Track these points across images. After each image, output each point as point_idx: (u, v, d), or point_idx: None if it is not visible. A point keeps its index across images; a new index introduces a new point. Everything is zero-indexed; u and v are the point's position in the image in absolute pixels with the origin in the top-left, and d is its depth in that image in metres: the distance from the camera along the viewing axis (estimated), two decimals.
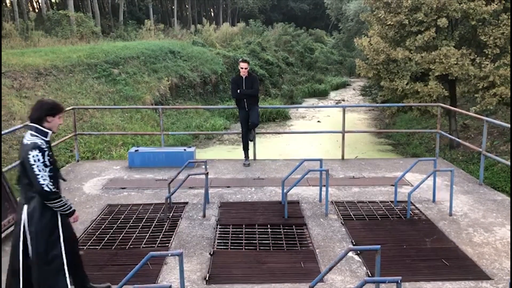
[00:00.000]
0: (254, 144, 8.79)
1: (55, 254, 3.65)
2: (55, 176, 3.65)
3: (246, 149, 8.58)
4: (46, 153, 3.57)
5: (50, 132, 3.70)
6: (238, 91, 8.21)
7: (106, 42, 29.48)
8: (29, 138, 3.59)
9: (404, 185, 7.06)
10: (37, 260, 3.60)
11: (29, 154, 3.49)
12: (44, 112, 3.66)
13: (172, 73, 24.97)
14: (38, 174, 3.50)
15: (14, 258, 3.70)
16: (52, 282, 3.65)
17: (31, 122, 3.66)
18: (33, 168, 3.50)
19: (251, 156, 8.72)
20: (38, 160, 3.51)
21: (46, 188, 3.52)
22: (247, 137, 8.50)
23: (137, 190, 7.04)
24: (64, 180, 3.98)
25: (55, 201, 3.59)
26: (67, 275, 3.71)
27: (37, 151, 3.52)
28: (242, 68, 8.21)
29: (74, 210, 3.76)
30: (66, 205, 3.68)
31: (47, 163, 3.56)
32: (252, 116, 8.26)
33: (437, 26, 15.74)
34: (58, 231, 3.69)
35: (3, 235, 5.20)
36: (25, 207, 3.62)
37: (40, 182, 3.51)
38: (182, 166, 6.55)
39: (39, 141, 3.58)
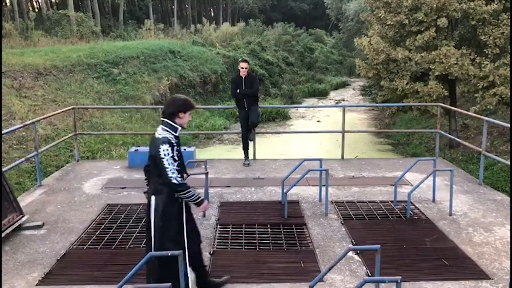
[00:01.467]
0: (254, 143, 8.79)
1: (178, 246, 3.79)
2: (181, 170, 3.84)
3: (246, 148, 8.57)
4: (175, 148, 3.74)
5: (179, 128, 3.88)
6: (238, 91, 8.21)
7: (106, 42, 29.47)
8: (160, 132, 3.77)
9: (404, 185, 7.06)
10: (159, 250, 3.76)
11: (160, 148, 3.65)
12: (176, 108, 3.83)
13: (172, 73, 24.97)
14: (168, 168, 3.66)
15: (148, 248, 3.90)
16: (173, 272, 3.73)
17: (163, 117, 3.83)
18: (163, 161, 3.66)
19: (251, 156, 8.72)
20: (168, 154, 3.67)
21: (174, 181, 3.68)
22: (247, 137, 8.50)
23: (137, 189, 7.04)
24: (188, 175, 4.15)
25: (184, 192, 3.76)
26: (188, 266, 3.88)
27: (167, 145, 3.68)
28: (242, 68, 8.21)
29: (202, 200, 3.92)
30: (195, 195, 3.84)
31: (175, 157, 3.73)
32: (252, 116, 8.26)
33: (437, 26, 15.73)
34: (182, 222, 3.86)
35: (3, 234, 5.20)
36: (153, 198, 3.79)
37: (169, 175, 3.67)
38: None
39: (169, 135, 3.74)
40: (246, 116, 8.36)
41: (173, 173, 3.68)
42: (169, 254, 3.71)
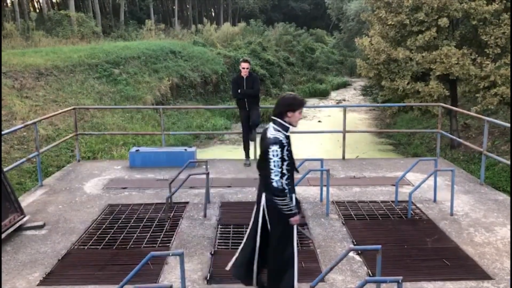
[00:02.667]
0: (255, 144, 8.79)
1: (289, 244, 3.81)
2: (291, 170, 3.81)
3: (246, 149, 8.57)
4: (285, 148, 3.71)
5: (290, 126, 3.85)
6: (239, 91, 8.21)
7: (107, 42, 29.48)
8: (272, 132, 3.75)
9: (405, 185, 7.05)
10: (273, 248, 3.82)
11: (270, 148, 3.64)
12: (285, 107, 3.80)
13: (173, 73, 24.98)
14: (272, 169, 3.64)
15: (249, 241, 3.92)
16: (282, 271, 3.82)
17: (274, 116, 3.83)
18: (269, 161, 3.65)
19: (252, 156, 8.71)
20: (277, 155, 3.64)
21: (274, 184, 3.65)
22: (247, 137, 8.50)
23: (138, 190, 7.05)
24: (297, 171, 4.18)
25: (280, 198, 3.68)
26: (295, 266, 3.83)
27: (277, 146, 3.66)
28: (243, 68, 8.20)
29: (295, 213, 3.77)
30: (289, 206, 3.72)
31: (285, 157, 3.70)
32: (253, 116, 8.26)
33: (438, 26, 15.71)
34: (289, 227, 3.81)
35: (4, 235, 5.21)
36: (264, 194, 3.81)
37: (271, 177, 3.65)
38: (183, 166, 6.55)
39: (280, 136, 3.72)
40: (247, 116, 8.35)
41: (276, 175, 3.64)
42: (170, 254, 3.72)
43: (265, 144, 3.71)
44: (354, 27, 44.73)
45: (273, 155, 3.64)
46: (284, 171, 3.69)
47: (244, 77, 8.20)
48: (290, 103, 3.84)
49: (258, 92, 8.38)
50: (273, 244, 3.84)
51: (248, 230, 4.02)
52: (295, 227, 3.82)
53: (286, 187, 3.71)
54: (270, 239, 3.85)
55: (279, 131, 3.75)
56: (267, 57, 35.21)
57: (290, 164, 3.78)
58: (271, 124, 3.83)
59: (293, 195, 3.86)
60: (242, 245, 4.05)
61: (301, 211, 3.74)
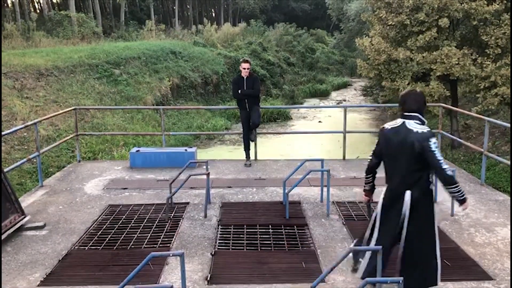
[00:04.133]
0: (256, 144, 8.79)
1: (431, 240, 3.87)
2: None
3: (247, 149, 8.57)
4: None
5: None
6: (239, 91, 8.21)
7: (107, 42, 29.49)
8: (417, 127, 3.78)
9: None
10: (416, 244, 3.83)
11: (430, 141, 3.68)
12: (423, 104, 3.93)
13: (173, 73, 24.98)
14: (440, 160, 3.69)
15: (386, 237, 3.92)
16: (423, 267, 3.86)
17: (410, 112, 3.87)
18: (435, 154, 3.68)
19: (252, 156, 8.71)
20: (436, 147, 3.72)
21: (449, 173, 3.70)
22: (248, 137, 8.50)
23: (139, 190, 7.05)
24: None
25: (455, 185, 3.75)
26: (438, 262, 3.88)
27: (435, 138, 3.75)
28: (243, 68, 8.19)
29: (466, 198, 3.86)
30: (462, 191, 3.80)
31: None
32: (253, 116, 8.25)
33: (438, 26, 15.71)
34: (433, 217, 3.88)
35: (4, 235, 5.21)
36: (408, 192, 3.79)
37: (443, 167, 3.69)
38: (183, 167, 6.55)
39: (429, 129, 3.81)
40: (247, 116, 8.35)
41: (445, 164, 3.71)
42: (170, 254, 3.72)
43: (421, 138, 3.70)
44: (355, 28, 44.78)
45: (435, 147, 3.70)
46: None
47: (245, 77, 8.19)
48: (425, 100, 4.01)
49: (258, 93, 8.38)
50: (415, 240, 3.84)
51: (377, 231, 3.97)
52: (436, 220, 3.90)
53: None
54: (409, 235, 3.84)
55: (423, 125, 3.82)
56: (267, 58, 35.21)
57: None
58: (406, 121, 3.85)
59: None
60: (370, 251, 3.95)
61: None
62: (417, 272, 3.85)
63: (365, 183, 4.27)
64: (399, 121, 3.91)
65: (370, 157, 4.16)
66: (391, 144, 3.86)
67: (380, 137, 4.01)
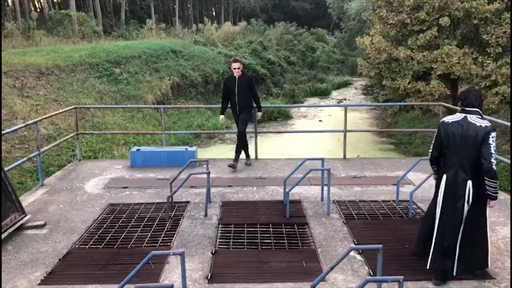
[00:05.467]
0: (256, 143, 8.78)
1: (485, 226, 4.20)
2: None
3: (245, 150, 8.36)
4: None
5: None
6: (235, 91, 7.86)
7: (108, 41, 29.46)
8: (481, 121, 4.06)
9: (406, 184, 7.05)
10: (472, 230, 4.13)
11: (490, 135, 3.95)
12: (481, 100, 4.21)
13: (174, 72, 24.97)
14: (492, 154, 3.95)
15: (449, 227, 4.15)
16: (479, 251, 4.18)
17: (471, 107, 4.12)
18: (490, 147, 3.95)
19: (252, 156, 8.70)
20: (494, 141, 3.98)
21: (494, 167, 3.97)
22: (243, 136, 8.14)
23: (139, 189, 7.05)
24: None
25: (494, 181, 4.00)
26: (489, 246, 4.25)
27: (495, 133, 4.00)
28: (234, 68, 7.84)
29: (497, 197, 4.11)
30: (497, 189, 4.06)
31: None
32: (240, 122, 7.91)
33: (439, 25, 15.71)
34: (486, 205, 4.16)
35: (5, 234, 5.22)
36: (469, 182, 4.06)
37: (491, 161, 3.95)
38: (184, 166, 6.55)
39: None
40: (237, 121, 8.08)
41: (494, 159, 3.95)
42: (171, 253, 3.72)
43: (482, 131, 3.96)
44: (355, 26, 44.69)
45: (493, 141, 3.96)
46: None
47: (237, 77, 7.85)
48: (482, 97, 4.31)
49: (257, 97, 8.08)
50: (474, 226, 4.12)
51: (442, 222, 4.18)
52: (487, 212, 4.21)
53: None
54: (469, 221, 4.10)
55: (482, 119, 4.09)
56: (268, 57, 35.19)
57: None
58: (468, 115, 4.10)
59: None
60: (436, 242, 4.21)
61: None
62: (475, 256, 4.16)
63: (435, 174, 4.43)
64: (460, 115, 4.16)
65: (430, 152, 4.36)
66: (454, 136, 4.10)
67: (441, 130, 4.22)
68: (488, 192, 4.03)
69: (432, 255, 4.20)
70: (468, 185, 4.05)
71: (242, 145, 8.09)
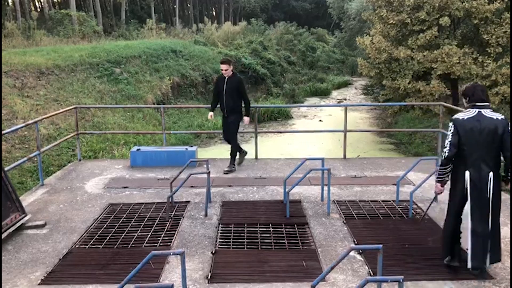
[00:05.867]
0: (256, 143, 8.77)
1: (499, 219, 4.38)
2: None
3: (233, 156, 7.97)
4: None
5: None
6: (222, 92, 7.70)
7: (108, 41, 29.47)
8: (495, 114, 4.22)
9: (406, 184, 7.05)
10: (495, 223, 4.30)
11: (509, 126, 4.15)
12: (487, 94, 4.36)
13: (174, 72, 24.97)
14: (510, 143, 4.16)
15: (481, 219, 4.25)
16: (499, 243, 4.36)
17: (482, 102, 4.24)
18: (509, 137, 4.14)
19: (252, 155, 8.69)
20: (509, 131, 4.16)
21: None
22: (236, 143, 7.92)
23: (139, 189, 7.05)
24: None
25: None
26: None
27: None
28: (221, 69, 7.65)
29: None
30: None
31: None
32: (229, 130, 7.73)
33: (439, 25, 15.70)
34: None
35: (6, 234, 5.22)
36: (491, 174, 4.21)
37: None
38: (184, 165, 6.55)
39: None
40: (224, 124, 7.92)
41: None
42: (171, 253, 3.72)
43: (502, 124, 4.15)
44: (355, 26, 44.68)
45: (510, 131, 4.15)
46: None
47: (226, 77, 7.65)
48: None
49: (247, 101, 7.78)
50: (497, 219, 4.31)
51: (475, 218, 4.25)
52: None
53: None
54: (494, 214, 4.27)
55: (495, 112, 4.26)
56: (268, 56, 35.19)
57: None
58: (481, 110, 4.21)
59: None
60: (474, 240, 4.26)
61: None
62: (498, 247, 4.33)
63: (445, 174, 4.37)
64: (473, 111, 4.22)
65: (448, 150, 4.26)
66: (473, 132, 4.15)
67: (458, 127, 4.21)
68: (509, 177, 4.30)
69: (472, 254, 4.24)
70: (490, 177, 4.18)
71: (235, 148, 7.97)
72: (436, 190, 4.52)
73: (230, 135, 7.91)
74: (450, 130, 4.26)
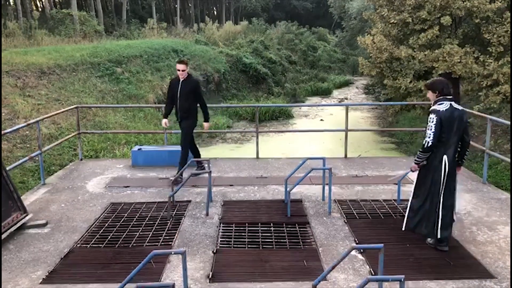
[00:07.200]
0: (257, 142, 8.77)
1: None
2: None
3: (182, 164, 7.15)
4: None
5: None
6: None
7: (109, 41, 29.50)
8: (459, 106, 4.79)
9: (407, 184, 7.04)
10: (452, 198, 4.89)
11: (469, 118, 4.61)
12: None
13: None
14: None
15: (450, 195, 4.83)
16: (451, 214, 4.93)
17: (450, 95, 4.80)
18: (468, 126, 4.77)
19: (254, 155, 8.70)
20: None
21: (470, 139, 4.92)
22: (187, 151, 7.29)
23: (140, 188, 7.06)
24: None
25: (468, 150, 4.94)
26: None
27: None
28: (178, 70, 7.08)
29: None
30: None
31: None
32: (182, 134, 7.26)
33: (440, 24, 15.67)
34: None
35: (7, 233, 5.23)
36: (447, 156, 4.74)
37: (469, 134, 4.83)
38: (185, 165, 6.55)
39: None
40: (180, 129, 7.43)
41: None
42: (172, 252, 3.72)
43: (465, 114, 4.77)
44: (357, 26, 44.64)
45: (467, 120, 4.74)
46: None
47: (181, 79, 7.15)
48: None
49: (204, 106, 7.39)
50: (451, 194, 4.83)
51: (427, 192, 4.85)
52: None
53: None
54: (450, 191, 4.81)
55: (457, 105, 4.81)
56: (269, 56, 35.18)
57: None
58: (450, 103, 4.72)
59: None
60: (422, 206, 4.91)
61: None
62: (448, 221, 4.84)
63: (424, 158, 4.86)
64: (446, 103, 4.73)
65: (431, 140, 4.69)
66: (450, 121, 4.66)
67: (442, 118, 4.65)
68: (463, 160, 4.96)
69: (441, 224, 4.78)
70: (455, 159, 4.84)
71: (184, 157, 7.23)
72: (413, 169, 5.01)
73: (182, 142, 7.35)
74: (433, 122, 4.68)
